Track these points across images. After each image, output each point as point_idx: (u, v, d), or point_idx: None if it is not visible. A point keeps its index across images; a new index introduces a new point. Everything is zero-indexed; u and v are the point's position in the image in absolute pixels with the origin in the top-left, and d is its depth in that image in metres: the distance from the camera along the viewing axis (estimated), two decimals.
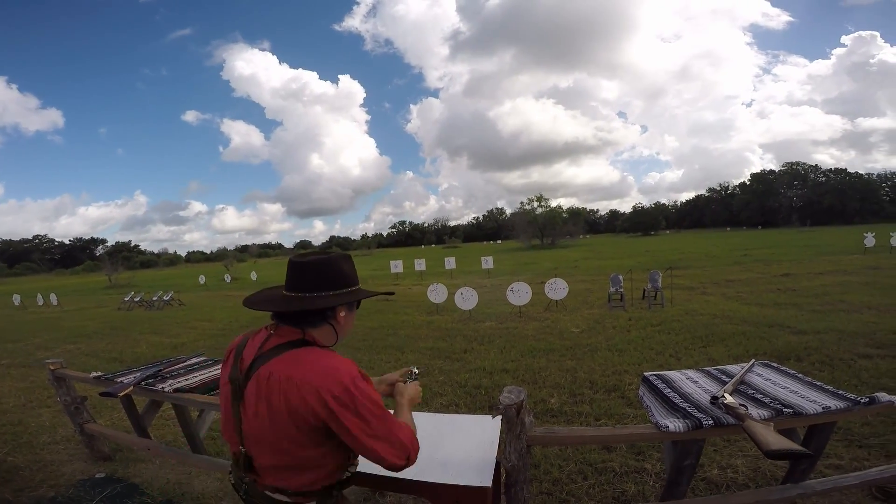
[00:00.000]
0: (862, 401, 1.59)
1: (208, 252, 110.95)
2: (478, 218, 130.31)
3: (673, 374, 2.03)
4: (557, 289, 8.16)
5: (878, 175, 79.86)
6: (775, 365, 2.06)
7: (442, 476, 1.76)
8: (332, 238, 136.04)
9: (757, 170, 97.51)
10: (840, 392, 1.69)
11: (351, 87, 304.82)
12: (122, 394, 2.73)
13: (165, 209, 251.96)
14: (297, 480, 1.21)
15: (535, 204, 57.43)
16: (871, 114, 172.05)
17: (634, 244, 43.09)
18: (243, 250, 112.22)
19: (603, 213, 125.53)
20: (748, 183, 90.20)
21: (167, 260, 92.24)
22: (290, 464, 1.19)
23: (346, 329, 1.29)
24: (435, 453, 1.92)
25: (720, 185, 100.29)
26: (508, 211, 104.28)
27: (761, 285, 10.13)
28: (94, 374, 3.13)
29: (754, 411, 1.58)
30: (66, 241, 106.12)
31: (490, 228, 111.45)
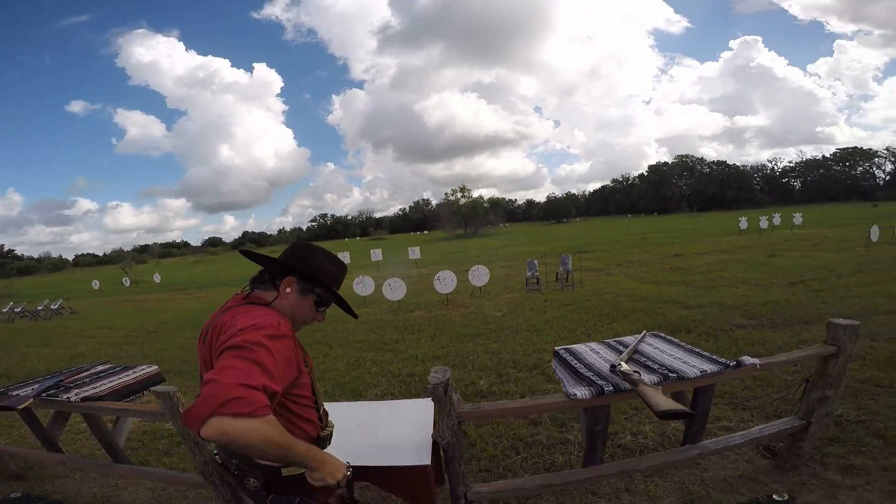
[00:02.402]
0: (731, 364, 1.85)
1: (101, 254, 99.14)
2: (404, 209, 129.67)
3: (579, 347, 2.29)
4: (480, 275, 8.59)
5: (751, 167, 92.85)
6: (663, 335, 2.40)
7: (383, 459, 1.86)
8: (246, 234, 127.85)
9: (653, 162, 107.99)
10: (714, 357, 1.96)
11: (267, 76, 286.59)
12: (20, 407, 2.49)
13: (46, 208, 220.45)
14: None
15: (459, 195, 58.85)
16: (746, 112, 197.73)
17: (548, 231, 45.91)
18: (142, 250, 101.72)
19: (520, 202, 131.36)
20: (646, 174, 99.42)
21: (51, 265, 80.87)
22: None
23: (287, 304, 1.31)
24: (374, 439, 2.06)
25: (622, 176, 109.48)
26: (434, 202, 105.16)
27: (656, 265, 11.45)
28: None
29: (646, 377, 1.77)
30: None
31: (416, 219, 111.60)
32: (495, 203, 65.92)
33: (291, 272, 1.32)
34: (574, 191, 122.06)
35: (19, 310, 14.22)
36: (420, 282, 11.65)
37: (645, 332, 2.43)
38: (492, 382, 4.18)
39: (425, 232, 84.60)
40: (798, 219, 20.09)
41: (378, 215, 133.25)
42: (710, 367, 1.85)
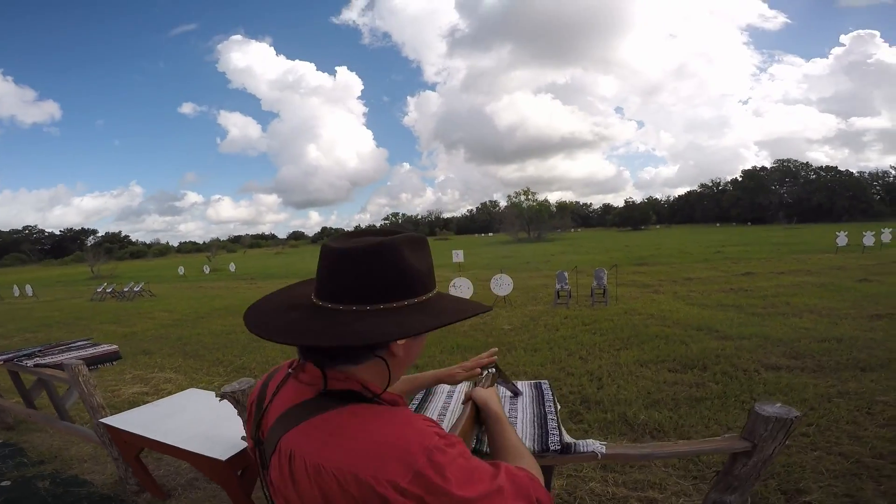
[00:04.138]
0: (554, 448, 1.35)
1: (201, 242, 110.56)
2: (471, 210, 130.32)
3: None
4: (502, 284, 8.19)
5: (870, 174, 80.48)
6: (547, 389, 1.80)
7: (194, 446, 2.09)
8: (325, 229, 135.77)
9: (750, 166, 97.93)
10: (554, 432, 1.44)
11: (348, 80, 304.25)
12: None
13: (161, 199, 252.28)
14: None
15: (523, 197, 57.57)
16: (865, 113, 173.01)
17: (617, 239, 43.27)
18: (235, 241, 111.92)
19: (597, 206, 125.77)
20: (740, 179, 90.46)
21: (157, 250, 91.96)
22: None
23: (406, 362, 0.76)
24: (198, 427, 2.32)
25: (712, 180, 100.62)
26: (503, 204, 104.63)
27: (717, 284, 10.21)
28: None
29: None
30: (57, 232, 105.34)
31: (483, 221, 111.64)
32: (563, 206, 63.61)
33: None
34: (658, 195, 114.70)
35: (110, 290, 16.20)
36: (445, 287, 11.43)
37: (543, 382, 1.88)
38: None
39: (490, 234, 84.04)
40: None
41: (447, 215, 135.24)
42: (528, 445, 1.35)
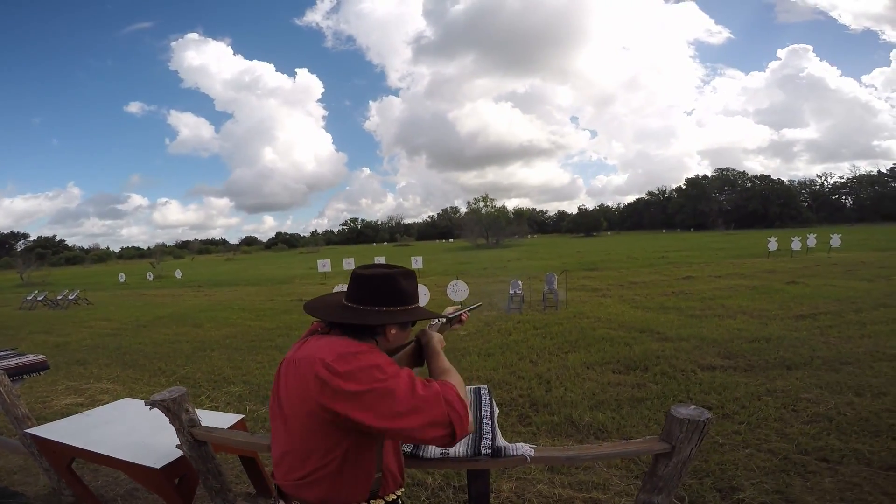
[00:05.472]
0: (485, 452, 1.45)
1: (145, 248, 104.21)
2: (433, 216, 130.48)
3: None
4: (458, 290, 8.19)
5: (799, 182, 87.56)
6: (486, 394, 1.90)
7: (126, 454, 2.05)
8: (279, 234, 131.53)
9: (693, 175, 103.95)
10: (486, 437, 1.53)
11: (308, 82, 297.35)
12: None
13: (101, 202, 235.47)
14: (313, 493, 1.06)
15: (482, 204, 58.35)
16: (796, 124, 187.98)
17: (570, 245, 44.73)
18: (183, 246, 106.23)
19: (552, 213, 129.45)
20: (684, 187, 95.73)
21: (96, 256, 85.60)
22: (307, 472, 1.05)
23: (394, 346, 1.22)
24: (131, 435, 2.27)
25: (658, 188, 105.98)
26: (463, 210, 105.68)
27: (660, 288, 10.68)
28: None
29: None
30: None
31: (444, 227, 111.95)
32: (520, 213, 65.00)
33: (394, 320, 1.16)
34: (610, 203, 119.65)
35: (41, 298, 14.89)
36: None
37: (481, 387, 1.97)
38: None
39: (450, 240, 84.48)
40: (836, 240, 18.34)
41: (409, 221, 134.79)
42: (461, 450, 1.48)
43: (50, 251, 76.78)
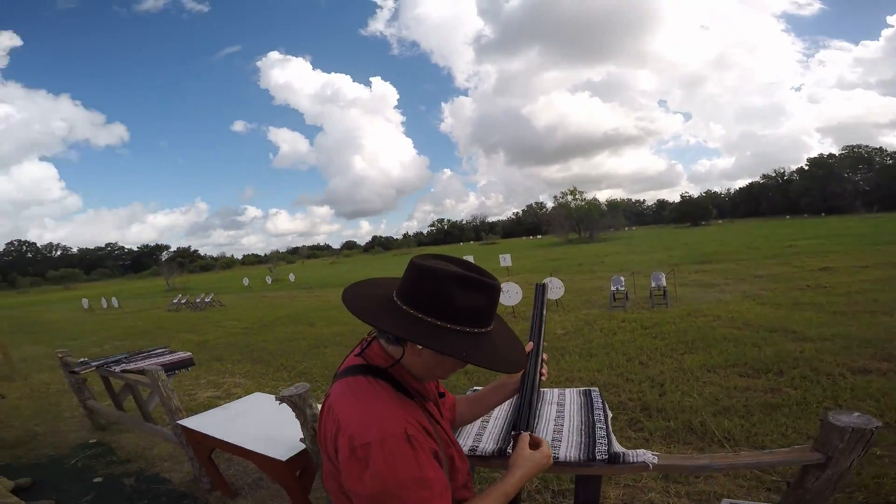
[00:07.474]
0: (602, 458, 1.34)
1: (262, 255, 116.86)
2: (517, 213, 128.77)
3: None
4: (553, 288, 8.00)
5: None
6: (597, 397, 1.81)
7: (256, 446, 2.21)
8: (375, 238, 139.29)
9: (815, 154, 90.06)
10: (601, 441, 1.45)
11: (383, 90, 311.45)
12: (82, 372, 3.52)
13: (224, 215, 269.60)
14: None
15: (570, 197, 55.96)
16: None
17: (676, 236, 41.07)
18: (294, 252, 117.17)
19: (650, 203, 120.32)
20: (806, 168, 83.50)
21: (224, 263, 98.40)
22: None
23: (420, 363, 0.95)
24: (261, 429, 2.44)
25: (775, 170, 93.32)
26: (549, 205, 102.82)
27: (791, 281, 9.45)
28: (59, 352, 4.04)
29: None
30: (135, 248, 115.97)
31: (530, 223, 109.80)
32: (614, 205, 61.30)
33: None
34: (717, 188, 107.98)
35: (184, 301, 17.55)
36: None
37: (591, 389, 1.87)
38: None
39: (538, 236, 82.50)
40: None
41: (493, 219, 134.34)
42: (573, 454, 1.37)
43: (187, 260, 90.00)
